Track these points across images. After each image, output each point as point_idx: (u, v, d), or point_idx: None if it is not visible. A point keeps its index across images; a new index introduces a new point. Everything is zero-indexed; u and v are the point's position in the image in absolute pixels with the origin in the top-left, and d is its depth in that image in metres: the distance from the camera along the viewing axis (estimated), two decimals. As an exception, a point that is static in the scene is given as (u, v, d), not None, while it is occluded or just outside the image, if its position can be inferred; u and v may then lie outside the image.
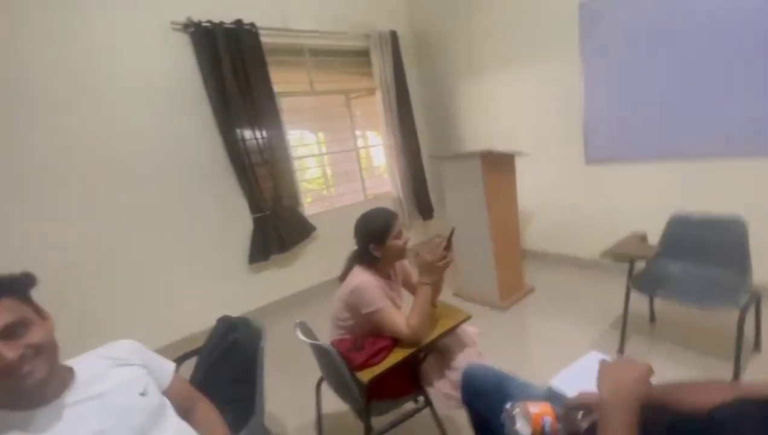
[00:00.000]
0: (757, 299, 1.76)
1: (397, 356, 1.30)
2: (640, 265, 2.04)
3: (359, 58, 3.65)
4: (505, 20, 3.15)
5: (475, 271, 2.79)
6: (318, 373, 1.60)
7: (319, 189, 3.76)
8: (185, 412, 0.99)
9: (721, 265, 1.81)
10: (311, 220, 3.31)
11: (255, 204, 2.99)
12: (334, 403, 1.67)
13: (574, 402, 0.76)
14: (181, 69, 2.67)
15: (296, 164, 3.32)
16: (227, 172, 2.91)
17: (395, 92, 3.68)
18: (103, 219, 2.47)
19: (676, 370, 1.84)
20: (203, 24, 2.64)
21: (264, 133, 2.95)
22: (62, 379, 0.80)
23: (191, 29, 2.63)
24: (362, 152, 3.88)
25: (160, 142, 2.64)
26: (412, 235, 3.99)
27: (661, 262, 2.00)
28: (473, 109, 3.69)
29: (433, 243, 1.43)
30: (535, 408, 0.74)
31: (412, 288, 1.63)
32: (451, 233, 1.50)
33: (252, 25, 2.84)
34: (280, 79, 3.10)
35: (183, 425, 0.93)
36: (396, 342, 1.35)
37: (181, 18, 2.60)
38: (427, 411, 1.42)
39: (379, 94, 3.67)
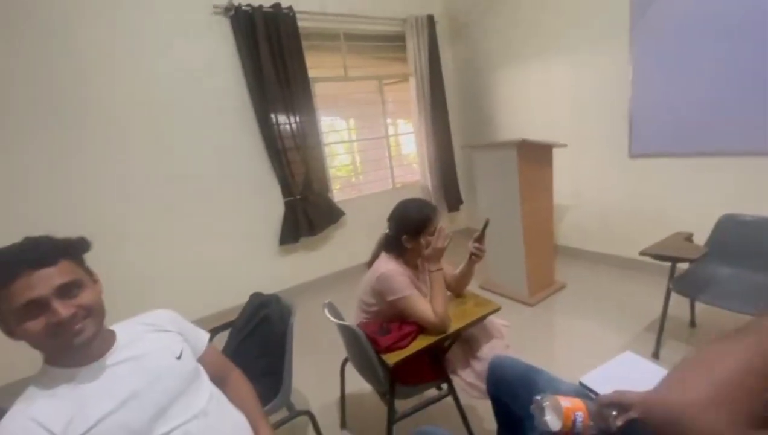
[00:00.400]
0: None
1: (422, 342, 1.30)
2: (682, 267, 1.92)
3: (394, 43, 3.60)
4: (549, 3, 3.00)
5: (504, 265, 2.74)
6: (342, 354, 1.63)
7: (347, 176, 3.78)
8: (218, 381, 1.03)
9: (776, 271, 1.69)
10: (340, 206, 3.35)
11: (287, 188, 3.05)
12: (357, 384, 1.71)
13: (608, 399, 0.73)
14: (220, 52, 2.74)
15: (326, 150, 3.35)
16: (262, 156, 2.99)
17: (429, 78, 3.61)
18: (149, 195, 2.61)
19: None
20: (243, 8, 2.68)
21: (297, 119, 2.99)
22: (105, 340, 0.85)
23: (231, 13, 2.68)
24: (392, 140, 3.86)
25: (201, 126, 2.74)
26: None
27: (707, 265, 1.88)
28: (509, 97, 3.57)
29: (440, 229, 1.38)
30: (567, 402, 0.71)
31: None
32: (485, 225, 1.46)
33: (290, 8, 2.85)
34: (314, 64, 3.12)
35: (216, 392, 0.97)
36: (421, 328, 1.35)
37: (223, 1, 2.65)
38: (449, 399, 1.42)
39: (412, 81, 3.61)
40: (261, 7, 2.73)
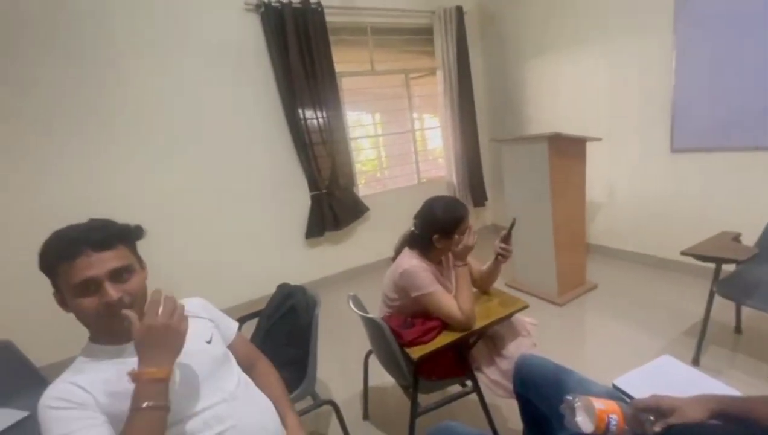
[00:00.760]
0: None
1: (446, 338, 1.29)
2: (728, 269, 1.80)
3: (421, 36, 3.56)
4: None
5: (533, 263, 2.66)
6: (365, 347, 1.64)
7: (372, 171, 3.79)
8: (246, 369, 1.06)
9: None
10: (364, 201, 3.36)
11: (313, 182, 3.09)
12: (380, 376, 1.72)
13: (646, 404, 0.69)
14: (251, 48, 2.80)
15: (352, 145, 3.36)
16: (290, 150, 3.04)
17: (457, 72, 3.54)
18: (183, 189, 2.72)
19: (762, 388, 1.63)
20: (272, 4, 2.72)
21: (324, 114, 3.01)
22: None
23: (262, 9, 2.73)
24: (418, 135, 3.83)
25: (232, 122, 2.82)
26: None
27: (756, 267, 1.75)
28: (539, 90, 3.44)
29: (470, 227, 1.36)
30: (600, 404, 0.69)
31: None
32: (512, 225, 1.43)
33: (318, 3, 2.87)
34: (341, 59, 3.13)
35: (245, 378, 1.00)
36: (445, 324, 1.33)
37: (254, -1, 2.71)
38: (473, 396, 1.40)
39: (440, 74, 3.56)
40: (290, 2, 2.77)
